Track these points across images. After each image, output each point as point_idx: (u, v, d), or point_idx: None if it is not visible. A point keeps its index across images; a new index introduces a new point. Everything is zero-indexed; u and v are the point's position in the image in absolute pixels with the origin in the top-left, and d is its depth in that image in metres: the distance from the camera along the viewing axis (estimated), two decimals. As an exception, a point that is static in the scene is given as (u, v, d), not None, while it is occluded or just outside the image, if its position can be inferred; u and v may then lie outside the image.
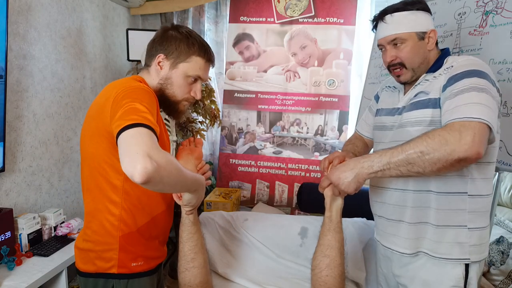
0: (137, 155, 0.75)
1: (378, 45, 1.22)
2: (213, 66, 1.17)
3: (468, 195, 1.09)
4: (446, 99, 1.03)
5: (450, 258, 1.11)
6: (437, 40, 1.18)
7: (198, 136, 2.59)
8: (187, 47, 1.07)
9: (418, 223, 1.15)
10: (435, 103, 1.09)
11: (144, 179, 0.75)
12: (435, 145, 0.94)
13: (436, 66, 1.15)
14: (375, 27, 1.22)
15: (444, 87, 1.06)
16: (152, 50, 1.10)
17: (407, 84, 1.23)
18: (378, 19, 1.19)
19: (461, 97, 0.99)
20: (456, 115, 0.97)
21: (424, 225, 1.14)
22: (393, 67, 1.19)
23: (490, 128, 0.95)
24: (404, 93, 1.23)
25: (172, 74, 1.08)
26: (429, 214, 1.13)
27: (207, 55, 1.10)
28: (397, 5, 1.15)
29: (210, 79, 2.70)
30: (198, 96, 1.13)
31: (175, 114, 1.15)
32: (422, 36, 1.14)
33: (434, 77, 1.13)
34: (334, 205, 1.18)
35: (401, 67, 1.17)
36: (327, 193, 1.18)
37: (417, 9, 1.13)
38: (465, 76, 1.02)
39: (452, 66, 1.08)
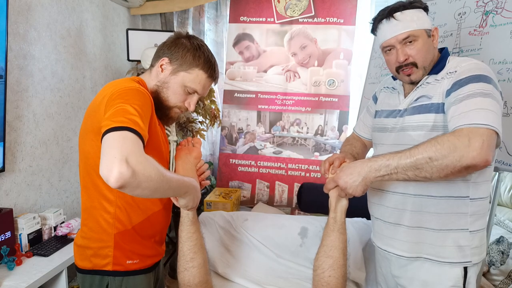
0: (114, 159, 0.75)
1: (386, 46, 1.17)
2: (215, 84, 1.17)
3: (470, 198, 1.09)
4: (452, 105, 1.02)
5: (452, 261, 1.11)
6: None
7: (198, 136, 2.60)
8: (192, 58, 1.07)
9: (417, 227, 1.14)
10: (437, 108, 1.08)
11: (119, 184, 0.75)
12: (444, 151, 0.92)
13: (438, 67, 1.14)
14: (374, 29, 1.18)
15: (448, 92, 1.05)
16: (160, 52, 1.11)
17: (408, 85, 1.21)
18: (384, 18, 1.14)
19: (467, 102, 0.98)
20: (463, 121, 0.95)
21: (424, 229, 1.13)
22: (405, 67, 1.15)
23: (497, 134, 0.94)
24: (405, 95, 1.22)
25: (170, 79, 1.08)
26: (429, 219, 1.12)
27: (210, 71, 1.10)
28: (403, 3, 1.13)
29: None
30: (191, 109, 1.13)
31: (165, 119, 1.14)
32: (429, 33, 1.13)
33: (436, 80, 1.12)
34: (339, 206, 1.17)
35: (412, 66, 1.14)
36: (333, 194, 1.17)
37: (421, 8, 1.13)
38: (470, 81, 1.01)
39: (455, 71, 1.07)
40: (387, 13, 1.14)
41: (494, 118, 0.94)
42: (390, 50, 1.16)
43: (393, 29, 1.13)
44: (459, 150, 0.91)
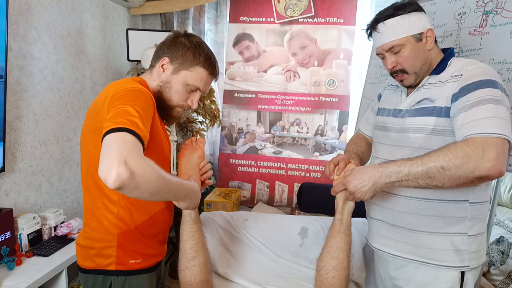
0: (113, 160, 0.75)
1: (377, 54, 1.20)
2: (216, 80, 1.17)
3: (470, 202, 1.09)
4: (461, 111, 1.00)
5: (450, 265, 1.10)
6: (435, 39, 1.16)
7: (198, 136, 2.60)
8: (193, 57, 1.08)
9: (414, 230, 1.14)
10: (440, 112, 1.07)
11: (117, 185, 0.75)
12: (457, 161, 0.91)
13: (440, 68, 1.13)
14: (370, 35, 1.19)
15: (456, 97, 1.03)
16: (159, 52, 1.11)
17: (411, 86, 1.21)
18: (370, 28, 1.17)
19: (477, 109, 0.96)
20: (476, 129, 0.94)
21: (420, 233, 1.13)
22: (395, 73, 1.17)
23: (509, 142, 0.93)
24: (407, 95, 1.21)
25: (172, 79, 1.09)
26: (426, 222, 1.12)
27: (211, 68, 1.11)
28: (388, 11, 1.12)
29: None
30: (194, 106, 1.13)
31: (167, 118, 1.15)
32: (419, 37, 1.11)
33: (440, 81, 1.11)
34: (346, 208, 1.17)
35: (402, 73, 1.15)
36: (340, 196, 1.17)
37: (409, 12, 1.10)
38: (479, 86, 0.99)
39: (461, 75, 1.05)
40: (371, 25, 1.16)
41: (507, 127, 0.93)
42: (382, 57, 1.19)
43: (378, 40, 1.16)
44: (472, 161, 0.90)
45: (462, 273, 1.10)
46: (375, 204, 1.24)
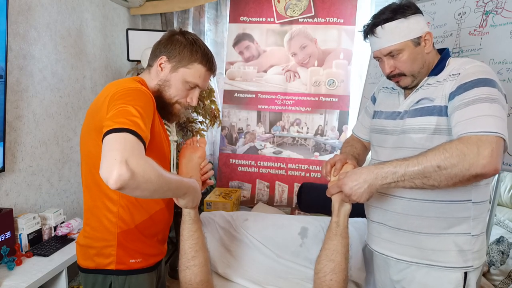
0: (114, 161, 0.76)
1: (374, 57, 1.19)
2: (213, 76, 1.18)
3: (473, 202, 1.08)
4: (457, 109, 1.00)
5: (454, 266, 1.10)
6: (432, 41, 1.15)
7: (198, 136, 2.60)
8: (190, 54, 1.08)
9: (418, 233, 1.13)
10: (440, 111, 1.06)
11: (118, 185, 0.76)
12: (453, 160, 0.91)
13: (437, 69, 1.13)
14: (366, 36, 1.18)
15: (453, 95, 1.03)
16: (156, 51, 1.11)
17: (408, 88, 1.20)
18: (368, 32, 1.15)
19: (473, 107, 0.96)
20: (471, 127, 0.94)
21: (424, 235, 1.12)
22: (393, 76, 1.16)
23: (504, 140, 0.93)
24: (405, 96, 1.20)
25: (171, 77, 1.09)
26: (429, 223, 1.11)
27: (209, 64, 1.12)
28: (385, 14, 1.09)
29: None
30: (194, 103, 1.14)
31: (168, 116, 1.15)
32: (417, 41, 1.10)
33: (438, 81, 1.10)
34: (342, 210, 1.16)
35: (400, 76, 1.14)
36: (336, 198, 1.16)
37: (408, 16, 1.08)
38: (476, 85, 0.99)
39: (459, 74, 1.05)
40: (369, 29, 1.14)
41: (502, 125, 0.93)
42: (379, 60, 1.18)
43: (376, 44, 1.14)
44: (468, 159, 0.90)
45: (465, 274, 1.10)
46: (375, 207, 1.23)
